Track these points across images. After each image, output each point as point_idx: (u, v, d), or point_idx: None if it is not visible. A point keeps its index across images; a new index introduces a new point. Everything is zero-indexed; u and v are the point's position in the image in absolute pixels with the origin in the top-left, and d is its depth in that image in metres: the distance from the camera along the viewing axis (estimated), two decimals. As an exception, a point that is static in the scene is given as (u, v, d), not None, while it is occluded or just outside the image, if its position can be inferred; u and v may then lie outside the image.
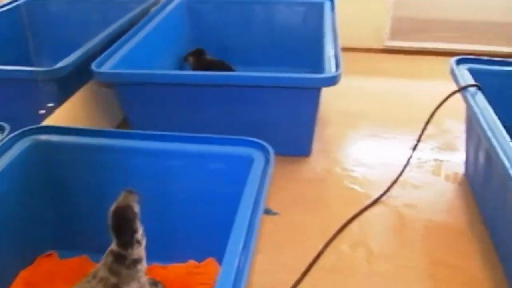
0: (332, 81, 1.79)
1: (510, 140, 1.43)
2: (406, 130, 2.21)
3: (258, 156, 1.35)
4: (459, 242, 1.66)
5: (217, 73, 1.99)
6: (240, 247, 1.06)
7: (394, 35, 3.10)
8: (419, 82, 2.74)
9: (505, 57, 2.01)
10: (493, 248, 1.63)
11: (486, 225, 1.71)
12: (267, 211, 1.74)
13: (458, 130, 2.09)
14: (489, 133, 1.47)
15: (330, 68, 1.86)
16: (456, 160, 2.05)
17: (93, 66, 1.85)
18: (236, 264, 1.01)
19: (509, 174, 1.29)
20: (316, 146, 2.09)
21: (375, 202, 1.81)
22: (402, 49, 3.09)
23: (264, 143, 1.38)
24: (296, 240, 1.65)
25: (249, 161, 1.34)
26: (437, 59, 2.87)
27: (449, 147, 2.15)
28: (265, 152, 1.36)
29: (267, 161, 1.34)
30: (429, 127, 2.22)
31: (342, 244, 1.63)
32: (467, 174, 1.96)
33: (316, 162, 2.03)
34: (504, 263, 1.56)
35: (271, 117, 1.94)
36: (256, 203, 1.21)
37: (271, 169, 1.31)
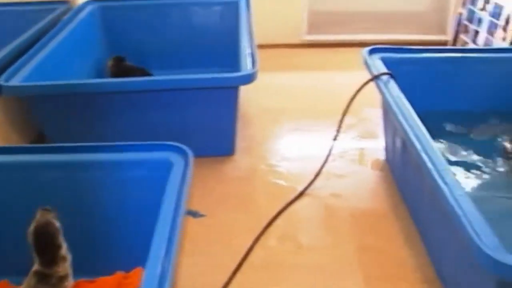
0: (248, 79, 1.80)
1: (422, 125, 1.49)
2: (328, 122, 2.24)
3: (177, 160, 1.34)
4: (383, 226, 1.71)
5: (133, 79, 1.97)
6: (163, 252, 1.05)
7: (311, 29, 3.15)
8: (338, 74, 2.80)
9: (417, 44, 2.08)
10: (415, 228, 1.69)
11: (408, 207, 1.77)
12: (194, 214, 1.73)
13: (377, 118, 2.15)
14: (401, 119, 1.53)
15: (246, 66, 1.87)
16: (377, 147, 2.11)
17: (1, 80, 1.77)
18: (159, 270, 1.00)
19: (421, 158, 1.34)
20: (240, 144, 2.10)
21: (301, 195, 1.83)
22: (320, 42, 3.15)
23: (183, 146, 1.36)
24: (225, 240, 1.65)
25: (168, 165, 1.32)
26: (354, 50, 2.90)
27: (370, 135, 2.22)
28: (184, 155, 1.35)
29: (186, 164, 1.33)
30: (349, 117, 2.26)
31: (271, 239, 1.64)
32: (387, 159, 2.02)
33: (240, 160, 2.04)
34: (425, 242, 1.62)
35: (191, 120, 1.93)
36: (177, 207, 1.19)
37: (190, 172, 1.30)
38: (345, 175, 1.96)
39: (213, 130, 1.96)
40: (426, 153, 1.34)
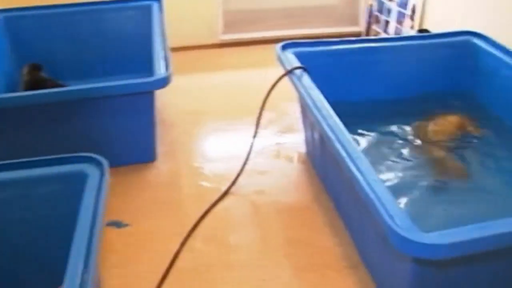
0: (162, 83, 1.78)
1: (335, 115, 1.52)
2: (248, 119, 2.24)
3: (92, 171, 1.30)
4: (308, 217, 1.74)
5: (41, 92, 1.87)
6: (80, 268, 1.01)
7: (227, 28, 3.15)
8: (256, 71, 2.81)
9: (332, 37, 2.13)
10: (339, 217, 1.72)
11: (330, 197, 1.81)
12: (118, 224, 1.69)
13: (297, 112, 2.18)
14: (315, 111, 1.55)
15: (159, 70, 1.85)
16: (297, 141, 2.14)
17: None
18: (77, 286, 0.97)
19: (335, 147, 1.37)
20: (161, 149, 2.07)
21: (224, 194, 1.83)
22: (236, 41, 3.15)
23: (97, 157, 1.33)
24: (152, 247, 1.62)
25: (83, 177, 1.28)
26: (270, 47, 2.94)
27: (290, 129, 2.24)
28: (99, 165, 1.31)
29: (102, 175, 1.29)
30: (269, 112, 2.30)
31: (197, 241, 1.63)
32: (307, 152, 2.05)
33: (163, 165, 2.01)
34: (349, 230, 1.66)
35: (109, 129, 1.88)
36: (94, 219, 1.16)
37: (107, 182, 1.27)
38: (267, 171, 1.97)
39: (131, 137, 1.92)
40: (340, 143, 1.38)
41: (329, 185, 1.82)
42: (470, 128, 1.99)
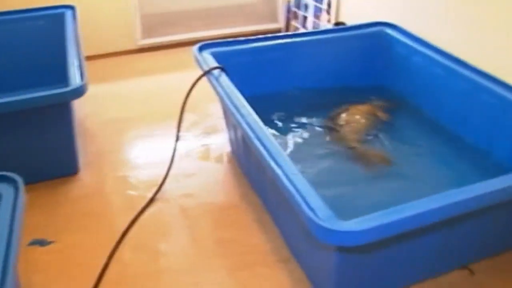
0: (77, 93, 1.72)
1: (254, 113, 1.53)
2: (172, 123, 2.19)
3: (5, 190, 1.25)
4: (237, 216, 1.74)
5: None
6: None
7: (146, 33, 3.09)
8: (177, 75, 2.78)
9: (252, 35, 2.13)
10: (267, 214, 1.74)
11: (257, 194, 1.82)
12: (41, 242, 1.63)
13: (220, 113, 2.18)
14: (233, 110, 1.56)
15: (75, 80, 1.79)
16: (222, 141, 2.14)
17: None
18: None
19: (254, 144, 1.38)
20: (84, 160, 2.02)
21: (151, 201, 1.80)
22: (156, 45, 3.11)
23: (10, 174, 1.27)
24: (79, 262, 1.57)
25: (-4, 197, 1.23)
26: (190, 49, 2.95)
27: (214, 130, 2.24)
28: (13, 183, 1.26)
29: (17, 193, 1.24)
30: (193, 114, 2.29)
31: (126, 252, 1.60)
32: (232, 151, 2.05)
33: (87, 177, 1.95)
34: (277, 225, 1.68)
35: (25, 143, 1.80)
36: (9, 240, 1.11)
37: (22, 201, 1.22)
38: (194, 173, 1.96)
39: (51, 151, 1.85)
40: (259, 139, 1.39)
41: (255, 183, 1.83)
42: (380, 114, 2.06)
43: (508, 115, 1.67)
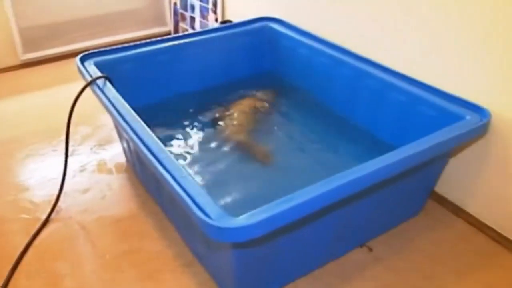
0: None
1: (140, 120, 1.50)
2: (62, 139, 2.14)
3: None
4: (137, 226, 1.71)
5: None
6: None
7: (28, 47, 2.94)
8: (64, 88, 2.67)
9: (139, 41, 2.08)
10: (167, 220, 1.72)
11: (155, 201, 1.79)
12: None
13: (112, 123, 2.12)
14: (119, 118, 1.52)
15: None
16: (116, 152, 2.09)
17: None
18: None
19: (142, 151, 1.35)
20: (-30, 189, 1.90)
21: (46, 222, 1.72)
22: (41, 59, 2.97)
23: None
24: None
25: None
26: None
27: (107, 142, 2.18)
28: None
29: None
30: (84, 127, 2.22)
31: (21, 279, 1.51)
32: (127, 161, 2.01)
33: (-27, 206, 1.84)
34: (178, 229, 1.67)
35: None
36: None
37: None
38: (90, 187, 1.90)
39: None
40: (146, 146, 1.36)
41: (151, 190, 1.80)
42: (259, 104, 2.10)
43: (388, 97, 1.76)
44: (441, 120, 1.54)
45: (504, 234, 1.66)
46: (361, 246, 1.63)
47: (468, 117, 1.49)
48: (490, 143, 1.60)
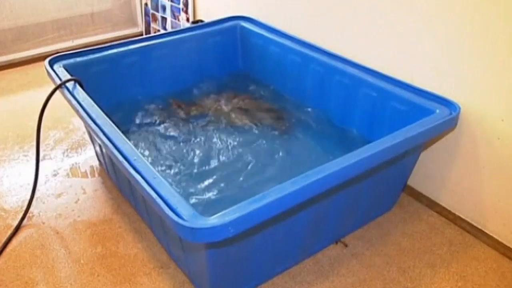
0: None
1: (111, 123, 1.48)
2: (33, 144, 2.11)
3: None
4: (112, 230, 1.69)
5: None
6: None
7: (-5, 51, 2.90)
8: (34, 92, 2.63)
9: (110, 42, 2.05)
10: (142, 222, 1.71)
11: (130, 204, 1.78)
12: None
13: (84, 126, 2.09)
14: (89, 122, 1.50)
15: None
16: (89, 155, 2.07)
17: None
18: None
19: (113, 154, 1.34)
20: None
21: (17, 229, 1.69)
22: (8, 63, 2.90)
23: None
24: None
25: None
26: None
27: (80, 145, 2.15)
28: None
29: None
30: (57, 131, 2.19)
31: (-6, 288, 1.50)
32: (100, 164, 1.99)
33: None
34: (153, 231, 1.66)
35: None
36: None
37: None
38: (63, 192, 1.87)
39: None
40: (117, 148, 1.35)
41: (125, 193, 1.78)
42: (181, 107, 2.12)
43: (360, 92, 1.77)
44: (412, 115, 1.55)
45: (476, 225, 1.68)
46: (336, 242, 1.63)
47: (437, 111, 1.51)
48: (460, 136, 1.62)
